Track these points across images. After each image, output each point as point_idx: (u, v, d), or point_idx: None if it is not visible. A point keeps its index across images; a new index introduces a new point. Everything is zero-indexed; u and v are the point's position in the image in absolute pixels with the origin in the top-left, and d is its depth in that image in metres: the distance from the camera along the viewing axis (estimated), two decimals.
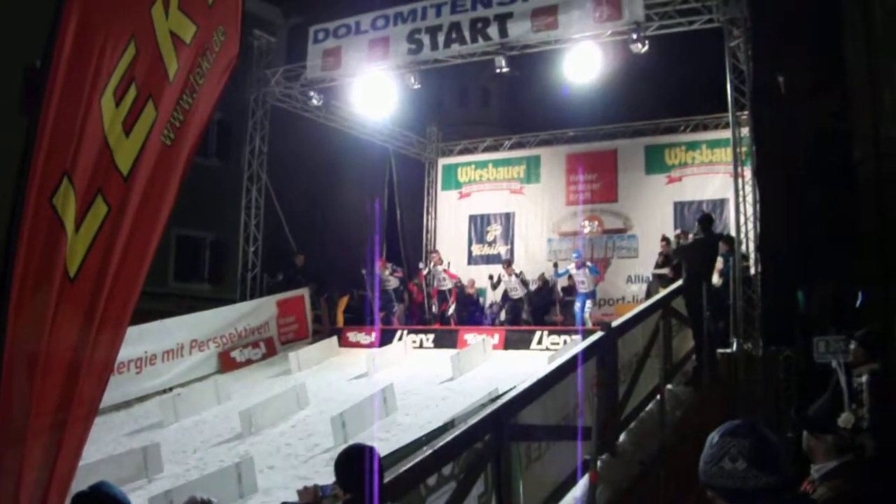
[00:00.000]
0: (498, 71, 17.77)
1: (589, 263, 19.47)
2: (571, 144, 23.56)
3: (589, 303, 18.93)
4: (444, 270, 21.40)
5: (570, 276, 19.68)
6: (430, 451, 6.12)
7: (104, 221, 3.48)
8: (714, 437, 2.80)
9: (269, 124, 21.25)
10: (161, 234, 3.95)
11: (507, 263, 20.71)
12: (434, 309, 21.48)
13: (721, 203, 20.11)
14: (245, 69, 21.18)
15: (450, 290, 21.20)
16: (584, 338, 11.50)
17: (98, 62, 3.37)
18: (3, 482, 3.11)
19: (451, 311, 21.01)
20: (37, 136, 3.14)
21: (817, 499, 4.59)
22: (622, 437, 9.93)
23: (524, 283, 20.48)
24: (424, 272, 22.18)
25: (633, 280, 21.44)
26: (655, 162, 21.93)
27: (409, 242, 25.51)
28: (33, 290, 3.17)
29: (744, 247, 15.97)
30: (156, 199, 3.82)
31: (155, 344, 16.24)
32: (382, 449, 8.63)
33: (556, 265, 21.00)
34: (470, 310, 21.96)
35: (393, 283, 21.29)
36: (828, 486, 4.73)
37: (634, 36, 16.12)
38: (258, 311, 19.04)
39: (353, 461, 4.61)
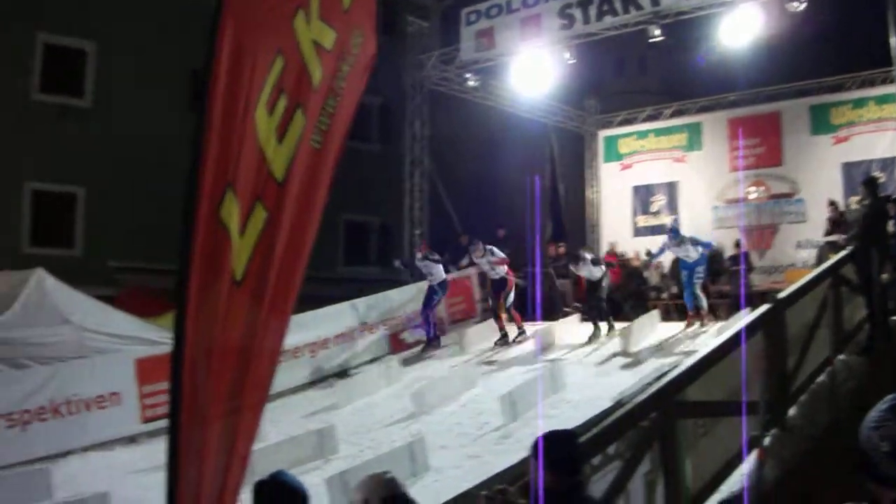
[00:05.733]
0: (651, 40, 17.44)
1: (688, 235, 17.41)
2: (733, 109, 22.95)
3: (700, 270, 16.84)
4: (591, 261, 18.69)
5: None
6: (595, 432, 6.17)
7: (264, 226, 3.70)
8: (886, 402, 2.60)
9: (428, 107, 21.52)
10: (316, 230, 4.14)
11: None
12: None
13: (892, 161, 19.19)
14: (401, 54, 21.53)
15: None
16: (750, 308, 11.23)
17: (251, 78, 3.57)
18: (188, 468, 3.36)
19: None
20: (201, 156, 3.36)
21: None
22: (792, 411, 9.65)
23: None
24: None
25: (803, 245, 20.76)
26: (821, 122, 21.08)
27: (572, 217, 25.37)
28: (206, 295, 3.42)
29: None
30: (309, 199, 4.01)
31: (328, 329, 16.78)
32: (552, 426, 8.72)
33: (648, 253, 20.85)
34: (636, 282, 21.71)
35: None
36: None
37: None
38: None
39: (559, 446, 4.47)
